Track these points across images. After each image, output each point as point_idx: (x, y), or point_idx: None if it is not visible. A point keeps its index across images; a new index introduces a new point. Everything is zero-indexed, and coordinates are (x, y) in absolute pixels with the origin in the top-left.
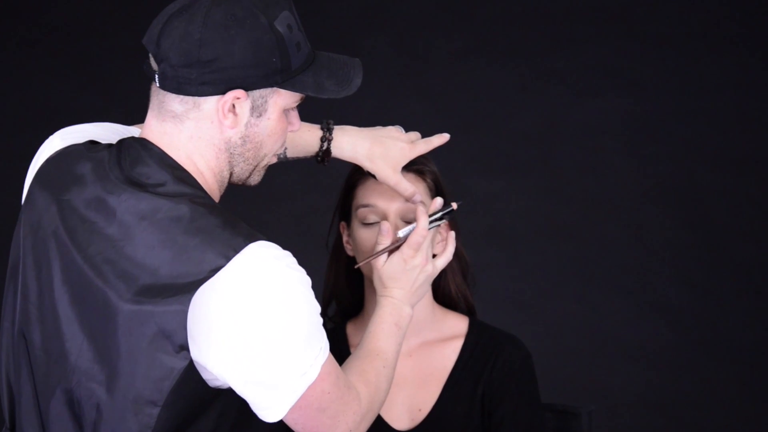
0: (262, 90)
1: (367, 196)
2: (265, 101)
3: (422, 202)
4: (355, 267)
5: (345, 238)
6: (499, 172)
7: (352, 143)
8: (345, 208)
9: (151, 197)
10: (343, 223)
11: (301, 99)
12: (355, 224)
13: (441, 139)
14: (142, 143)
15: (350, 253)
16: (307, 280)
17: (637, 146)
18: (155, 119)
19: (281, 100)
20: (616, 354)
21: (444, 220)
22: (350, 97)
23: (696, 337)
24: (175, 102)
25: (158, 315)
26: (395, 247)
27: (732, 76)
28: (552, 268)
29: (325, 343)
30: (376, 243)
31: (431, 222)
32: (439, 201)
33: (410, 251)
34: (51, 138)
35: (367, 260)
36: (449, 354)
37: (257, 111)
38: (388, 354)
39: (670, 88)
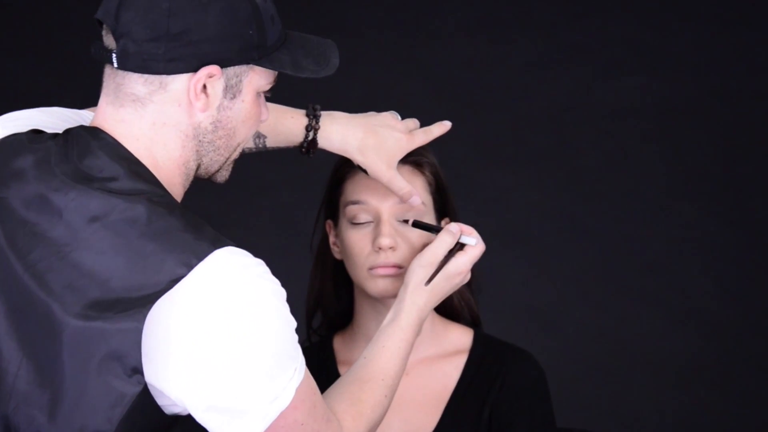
0: (236, 68)
1: (357, 191)
2: (240, 81)
3: (423, 203)
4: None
5: (332, 239)
6: (509, 162)
7: (341, 133)
8: (332, 205)
9: (103, 196)
10: (329, 222)
11: (274, 81)
12: (343, 223)
13: (442, 128)
14: (93, 132)
15: (337, 255)
16: (282, 292)
17: (668, 133)
18: (110, 105)
19: (256, 80)
20: (643, 370)
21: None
22: (340, 78)
23: (736, 350)
24: (138, 83)
25: (109, 333)
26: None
27: None
28: (570, 272)
29: (300, 364)
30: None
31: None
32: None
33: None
34: None
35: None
36: (451, 371)
37: (231, 92)
38: (396, 380)
39: (706, 67)
